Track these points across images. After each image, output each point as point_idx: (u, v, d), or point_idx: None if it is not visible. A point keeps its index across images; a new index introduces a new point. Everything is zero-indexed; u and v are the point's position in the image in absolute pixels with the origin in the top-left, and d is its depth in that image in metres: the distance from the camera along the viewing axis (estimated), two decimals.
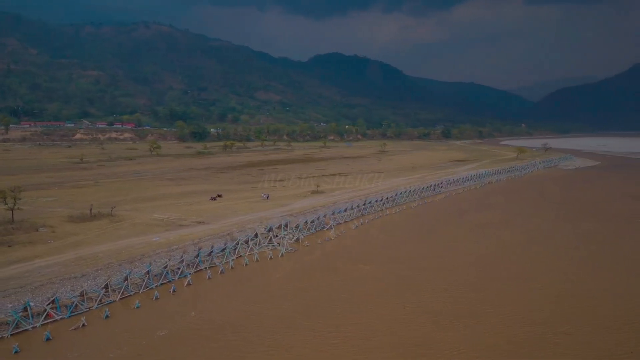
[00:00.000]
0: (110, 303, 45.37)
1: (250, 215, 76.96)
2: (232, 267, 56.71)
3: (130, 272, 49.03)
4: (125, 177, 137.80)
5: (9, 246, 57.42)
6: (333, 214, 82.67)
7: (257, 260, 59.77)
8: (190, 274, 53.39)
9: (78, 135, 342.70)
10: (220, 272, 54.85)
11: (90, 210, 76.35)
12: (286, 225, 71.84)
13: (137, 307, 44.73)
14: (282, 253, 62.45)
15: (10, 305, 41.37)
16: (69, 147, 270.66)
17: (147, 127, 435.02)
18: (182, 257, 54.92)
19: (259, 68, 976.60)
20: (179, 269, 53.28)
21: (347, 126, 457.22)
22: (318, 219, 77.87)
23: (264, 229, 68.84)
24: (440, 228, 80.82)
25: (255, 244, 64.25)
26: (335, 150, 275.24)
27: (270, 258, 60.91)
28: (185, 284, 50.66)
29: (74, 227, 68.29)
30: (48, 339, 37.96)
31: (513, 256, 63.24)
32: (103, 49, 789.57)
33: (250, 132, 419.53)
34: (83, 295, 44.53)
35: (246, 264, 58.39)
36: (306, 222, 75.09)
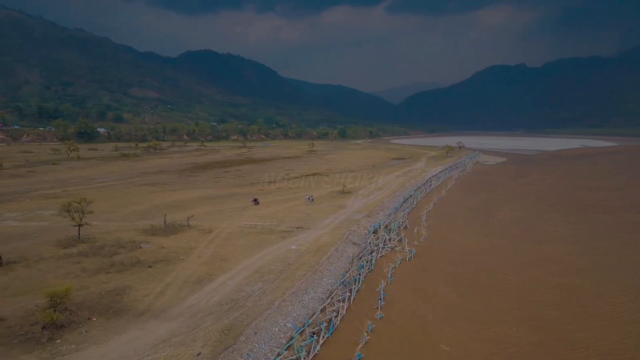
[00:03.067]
0: (342, 317, 42.99)
1: (333, 218, 75.52)
2: (393, 272, 56.37)
3: (340, 283, 46.62)
4: (86, 185, 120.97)
5: (149, 267, 49.42)
6: (394, 212, 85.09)
7: (400, 263, 60.08)
8: (363, 280, 52.24)
9: None
10: (392, 276, 54.52)
11: (165, 221, 67.91)
12: (382, 226, 72.61)
13: (380, 318, 43.12)
14: (414, 254, 63.44)
15: (276, 329, 37.16)
16: None
17: (16, 127, 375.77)
18: (350, 264, 53.35)
19: (127, 63, 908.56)
20: (359, 276, 51.75)
21: (251, 126, 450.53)
22: (391, 216, 79.81)
23: (368, 231, 68.93)
24: (494, 224, 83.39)
25: (379, 247, 64.25)
26: (263, 150, 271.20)
27: (409, 259, 61.63)
28: (381, 290, 49.50)
29: (170, 241, 60.35)
30: None
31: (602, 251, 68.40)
32: None
33: (145, 132, 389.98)
34: (325, 311, 41.62)
35: (397, 267, 58.50)
36: (389, 222, 76.56)
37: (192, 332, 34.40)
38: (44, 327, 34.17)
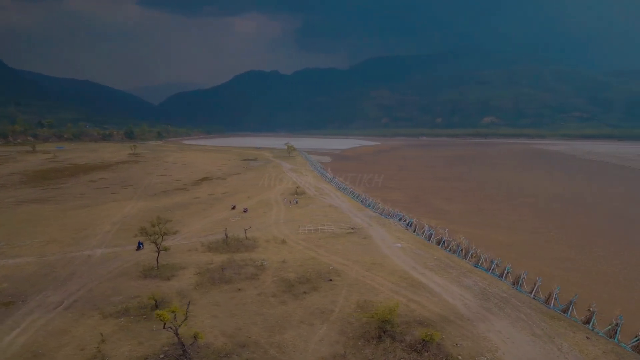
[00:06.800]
0: None
1: (356, 217, 77.16)
2: None
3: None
4: None
5: (330, 280, 45.08)
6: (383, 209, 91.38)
7: None
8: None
9: None
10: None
11: (226, 235, 58.60)
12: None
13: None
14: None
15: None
16: None
17: None
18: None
19: None
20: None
21: (12, 126, 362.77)
22: (393, 213, 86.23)
23: (404, 227, 74.35)
24: (466, 217, 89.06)
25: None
26: (72, 155, 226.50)
27: None
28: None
29: (271, 254, 53.90)
30: None
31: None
32: None
33: None
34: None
35: None
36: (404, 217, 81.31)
37: (522, 329, 36.07)
38: (416, 350, 30.48)
